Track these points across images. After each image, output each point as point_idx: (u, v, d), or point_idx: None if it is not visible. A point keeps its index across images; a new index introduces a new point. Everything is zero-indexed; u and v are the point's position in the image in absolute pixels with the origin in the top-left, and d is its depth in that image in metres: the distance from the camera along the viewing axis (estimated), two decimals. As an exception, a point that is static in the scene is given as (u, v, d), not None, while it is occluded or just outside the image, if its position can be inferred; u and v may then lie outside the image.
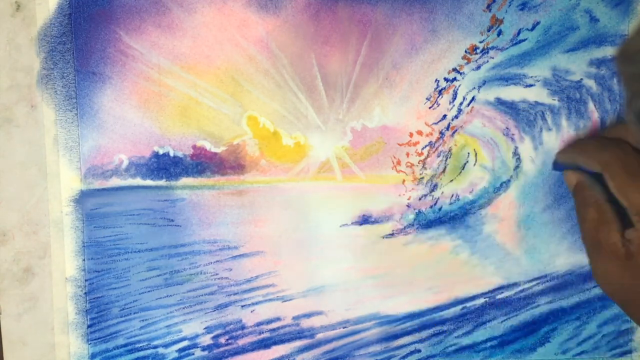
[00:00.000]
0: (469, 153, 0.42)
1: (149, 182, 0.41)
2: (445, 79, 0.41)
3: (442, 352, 0.43)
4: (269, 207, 0.42)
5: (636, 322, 0.35)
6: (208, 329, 0.42)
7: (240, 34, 0.41)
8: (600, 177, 0.36)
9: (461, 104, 0.42)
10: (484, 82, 0.41)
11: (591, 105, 0.42)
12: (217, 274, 0.42)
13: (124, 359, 0.42)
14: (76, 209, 0.41)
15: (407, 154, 0.42)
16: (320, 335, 0.42)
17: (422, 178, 0.42)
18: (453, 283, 0.42)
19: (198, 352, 0.42)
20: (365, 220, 0.42)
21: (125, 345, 0.42)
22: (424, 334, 0.42)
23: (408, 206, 0.42)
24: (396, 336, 0.42)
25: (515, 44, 0.41)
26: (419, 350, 0.42)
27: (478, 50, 0.41)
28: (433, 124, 0.42)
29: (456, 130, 0.42)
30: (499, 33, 0.41)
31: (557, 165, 0.39)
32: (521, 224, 0.42)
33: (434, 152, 0.42)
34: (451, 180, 0.42)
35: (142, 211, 0.41)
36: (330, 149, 0.42)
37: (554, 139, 0.41)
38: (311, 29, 0.41)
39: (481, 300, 0.42)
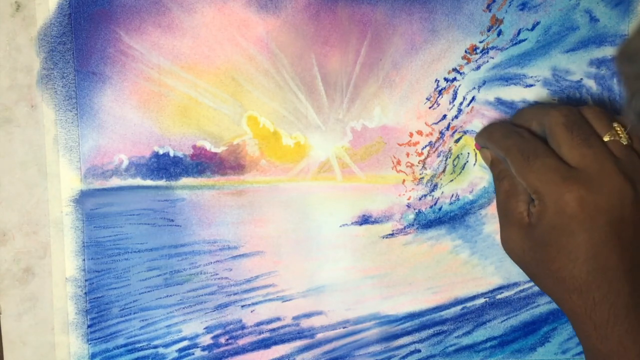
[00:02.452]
0: (469, 153, 0.42)
1: (149, 182, 0.41)
2: (445, 79, 0.41)
3: (442, 352, 0.43)
4: (269, 207, 0.42)
5: (538, 286, 0.38)
6: (208, 329, 0.42)
7: (240, 34, 0.41)
8: None
9: (461, 104, 0.42)
10: (484, 82, 0.41)
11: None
12: (217, 274, 0.42)
13: (124, 359, 0.42)
14: (76, 209, 0.41)
15: (407, 154, 0.42)
16: (320, 335, 0.42)
17: (422, 178, 0.42)
18: (453, 283, 0.42)
19: (198, 352, 0.42)
20: (365, 220, 0.42)
21: (125, 345, 0.42)
22: (424, 334, 0.42)
23: (408, 206, 0.42)
24: (396, 336, 0.42)
25: (515, 44, 0.41)
26: (419, 350, 0.42)
27: (478, 50, 0.41)
28: (433, 124, 0.42)
29: (456, 130, 0.42)
30: (499, 33, 0.41)
31: (478, 142, 0.42)
32: (521, 224, 0.42)
33: (434, 152, 0.42)
34: (451, 180, 0.42)
35: (142, 211, 0.42)
36: (330, 149, 0.42)
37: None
38: (311, 29, 0.41)
39: (481, 300, 0.42)
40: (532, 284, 0.42)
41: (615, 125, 0.37)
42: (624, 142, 0.37)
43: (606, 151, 0.36)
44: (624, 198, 0.35)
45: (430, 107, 0.42)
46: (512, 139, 0.38)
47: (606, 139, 0.37)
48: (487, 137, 0.40)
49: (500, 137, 0.39)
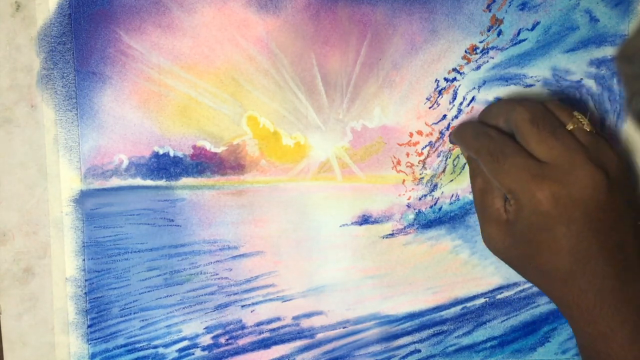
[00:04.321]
0: (469, 153, 0.42)
1: (149, 182, 0.41)
2: (445, 79, 0.41)
3: (442, 352, 0.43)
4: (269, 207, 0.42)
5: (524, 277, 0.38)
6: (208, 329, 0.42)
7: (240, 34, 0.41)
8: None
9: (461, 104, 0.42)
10: (484, 82, 0.41)
11: (591, 105, 0.42)
12: (217, 274, 0.42)
13: (124, 359, 0.42)
14: (76, 209, 0.41)
15: (407, 154, 0.42)
16: (320, 335, 0.42)
17: (422, 178, 0.42)
18: (453, 283, 0.42)
19: (198, 352, 0.42)
20: (365, 220, 0.42)
21: (125, 345, 0.42)
22: (424, 334, 0.42)
23: (408, 206, 0.42)
24: (396, 336, 0.42)
25: (515, 44, 0.41)
26: (419, 350, 0.42)
27: (478, 50, 0.41)
28: (433, 124, 0.42)
29: (494, 100, 0.42)
30: (499, 33, 0.41)
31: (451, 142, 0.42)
32: (521, 224, 0.42)
33: (434, 152, 0.42)
34: (451, 180, 0.42)
35: (142, 211, 0.42)
36: (330, 149, 0.42)
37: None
38: (311, 29, 0.41)
39: (481, 300, 0.42)
40: (532, 284, 0.42)
41: (575, 113, 0.37)
42: (587, 128, 0.37)
43: (573, 141, 0.36)
44: (597, 186, 0.35)
45: (430, 107, 0.42)
46: (480, 140, 0.38)
47: (570, 127, 0.37)
48: (458, 138, 0.40)
49: (469, 138, 0.39)
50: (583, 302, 0.35)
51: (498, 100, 0.41)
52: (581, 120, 0.37)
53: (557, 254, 0.35)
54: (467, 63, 0.41)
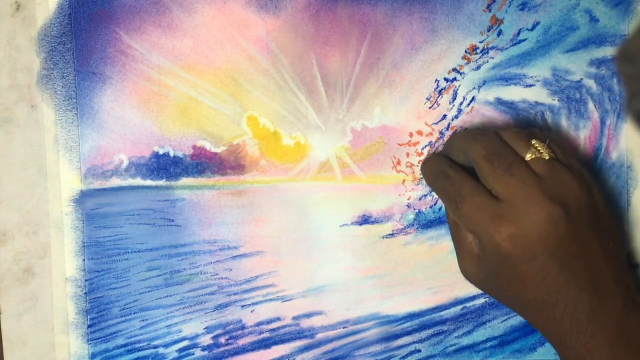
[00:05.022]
0: (469, 153, 0.42)
1: (149, 182, 0.41)
2: (445, 79, 0.41)
3: (442, 352, 0.43)
4: (269, 207, 0.42)
5: (507, 306, 0.39)
6: (208, 329, 0.42)
7: (240, 34, 0.41)
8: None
9: (461, 104, 0.42)
10: (484, 82, 0.41)
11: (591, 105, 0.42)
12: (217, 274, 0.42)
13: (124, 359, 0.42)
14: (76, 209, 0.41)
15: (407, 154, 0.42)
16: (320, 335, 0.42)
17: (422, 178, 0.42)
18: (453, 283, 0.42)
19: (198, 352, 0.42)
20: (365, 220, 0.42)
21: (125, 345, 0.42)
22: (424, 334, 0.42)
23: (408, 206, 0.42)
24: (396, 336, 0.42)
25: (515, 44, 0.41)
26: (419, 350, 0.42)
27: (478, 50, 0.41)
28: (433, 124, 0.42)
29: (456, 130, 0.42)
30: (499, 33, 0.41)
31: None
32: (521, 224, 0.42)
33: (434, 152, 0.42)
34: (451, 180, 0.42)
35: (142, 211, 0.41)
36: (330, 149, 0.42)
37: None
38: (311, 29, 0.41)
39: (481, 300, 0.42)
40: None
41: (533, 142, 0.37)
42: (546, 156, 0.36)
43: (529, 175, 0.35)
44: (555, 221, 0.34)
45: (430, 107, 0.42)
46: (438, 181, 0.38)
47: (528, 157, 0.36)
48: (423, 176, 0.41)
49: (430, 179, 0.39)
50: (559, 330, 0.35)
51: (459, 132, 0.41)
52: (539, 149, 0.36)
53: (525, 289, 0.35)
54: (467, 63, 0.41)
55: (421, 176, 0.42)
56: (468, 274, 0.38)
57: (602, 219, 0.37)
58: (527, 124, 0.41)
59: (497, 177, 0.36)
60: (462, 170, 0.38)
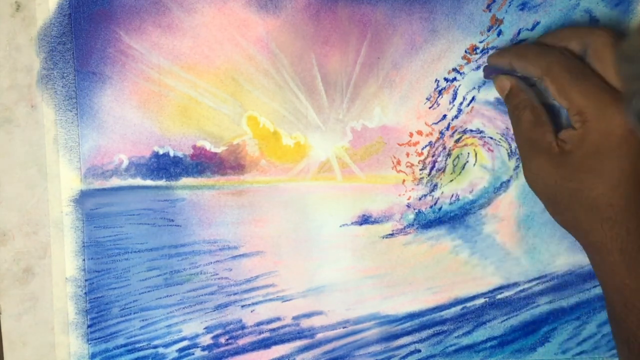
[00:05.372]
0: (469, 153, 0.42)
1: (149, 182, 0.41)
2: (445, 79, 0.41)
3: (442, 352, 0.43)
4: (269, 207, 0.42)
5: (556, 221, 0.37)
6: (208, 329, 0.42)
7: (240, 34, 0.41)
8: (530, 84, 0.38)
9: (461, 104, 0.42)
10: (484, 82, 0.41)
11: None
12: (217, 274, 0.42)
13: (124, 359, 0.42)
14: (76, 209, 0.41)
15: (407, 154, 0.42)
16: (320, 335, 0.42)
17: (422, 178, 0.42)
18: (453, 283, 0.42)
19: (198, 352, 0.42)
20: (365, 220, 0.42)
21: (125, 345, 0.42)
22: (424, 334, 0.42)
23: (408, 206, 0.42)
24: (396, 336, 0.42)
25: (516, 44, 0.41)
26: (419, 350, 0.42)
27: (478, 50, 0.41)
28: (433, 124, 0.42)
29: (456, 130, 0.42)
30: (499, 33, 0.41)
31: (489, 70, 0.40)
32: (521, 224, 0.42)
33: (433, 152, 0.42)
34: (451, 180, 0.42)
35: (142, 211, 0.42)
36: (330, 149, 0.42)
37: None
38: (311, 29, 0.41)
39: (481, 300, 0.42)
40: (532, 283, 0.42)
41: None
42: None
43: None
44: None
45: (430, 107, 0.42)
46: (553, 55, 0.36)
47: None
48: (517, 55, 0.38)
49: (537, 54, 0.37)
50: (627, 247, 0.34)
51: (564, 27, 0.40)
52: None
53: (615, 188, 0.34)
54: (467, 63, 0.41)
55: (421, 176, 0.42)
56: (540, 173, 0.36)
57: None
58: None
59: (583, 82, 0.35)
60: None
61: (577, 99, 0.35)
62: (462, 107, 0.42)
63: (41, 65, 0.41)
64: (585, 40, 0.36)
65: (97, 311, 0.42)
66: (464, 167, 0.42)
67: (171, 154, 0.41)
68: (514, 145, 0.42)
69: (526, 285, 0.42)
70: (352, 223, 0.42)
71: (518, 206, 0.42)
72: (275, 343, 0.42)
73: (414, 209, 0.42)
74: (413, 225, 0.42)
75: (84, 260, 0.41)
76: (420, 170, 0.42)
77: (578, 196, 0.35)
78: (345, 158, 0.42)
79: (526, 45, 0.39)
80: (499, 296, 0.42)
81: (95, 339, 0.42)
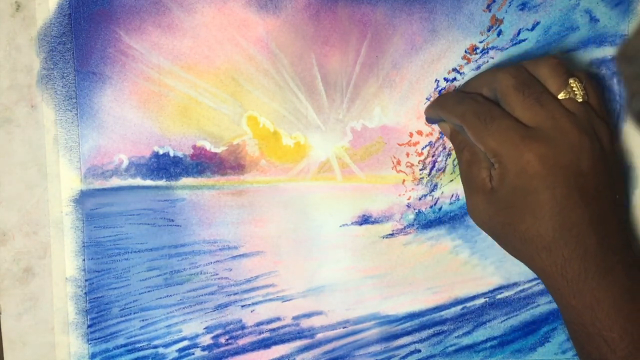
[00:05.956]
0: (469, 153, 0.42)
1: (149, 182, 0.41)
2: (445, 79, 0.41)
3: (442, 352, 0.43)
4: (269, 207, 0.42)
5: (506, 250, 0.38)
6: (208, 329, 0.42)
7: (240, 34, 0.41)
8: None
9: (461, 104, 0.42)
10: (484, 82, 0.41)
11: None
12: (217, 274, 0.42)
13: (124, 359, 0.42)
14: (76, 209, 0.41)
15: (407, 154, 0.42)
16: (320, 335, 0.42)
17: (422, 178, 0.42)
18: (453, 283, 0.42)
19: (198, 352, 0.42)
20: (365, 220, 0.42)
21: (125, 345, 0.42)
22: (424, 334, 0.42)
23: (408, 206, 0.42)
24: (396, 336, 0.42)
25: (515, 44, 0.41)
26: (419, 350, 0.42)
27: (478, 50, 0.41)
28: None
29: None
30: (499, 33, 0.41)
31: (428, 120, 0.41)
32: (521, 224, 0.42)
33: (433, 152, 0.42)
34: (451, 181, 0.42)
35: (142, 211, 0.42)
36: (330, 149, 0.42)
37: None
38: (311, 29, 0.41)
39: (481, 300, 0.42)
40: (532, 283, 0.42)
41: (571, 81, 0.37)
42: (579, 99, 0.36)
43: (559, 107, 0.36)
44: (581, 151, 0.35)
45: (430, 107, 0.42)
46: (465, 103, 0.37)
47: (561, 97, 0.36)
48: (440, 106, 0.40)
49: (453, 104, 0.38)
50: (568, 272, 0.35)
51: (477, 75, 0.41)
52: (575, 90, 0.36)
53: (540, 220, 0.35)
54: (467, 63, 0.41)
55: (421, 176, 0.42)
56: (476, 210, 0.38)
57: (617, 169, 0.37)
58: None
59: (526, 105, 0.36)
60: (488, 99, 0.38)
61: (489, 142, 0.36)
62: (462, 107, 0.42)
63: (41, 65, 0.41)
64: (491, 85, 0.37)
65: (97, 311, 0.42)
66: (464, 167, 0.42)
67: (171, 154, 0.41)
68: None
69: (526, 285, 0.42)
70: (352, 223, 0.42)
71: (518, 206, 0.42)
72: (275, 343, 0.42)
73: (414, 209, 0.42)
74: (413, 225, 0.42)
75: (84, 260, 0.41)
76: (420, 170, 0.42)
77: (510, 230, 0.36)
78: (345, 158, 0.42)
79: (445, 96, 0.40)
80: (499, 296, 0.42)
81: (95, 339, 0.42)
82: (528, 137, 0.35)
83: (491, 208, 0.37)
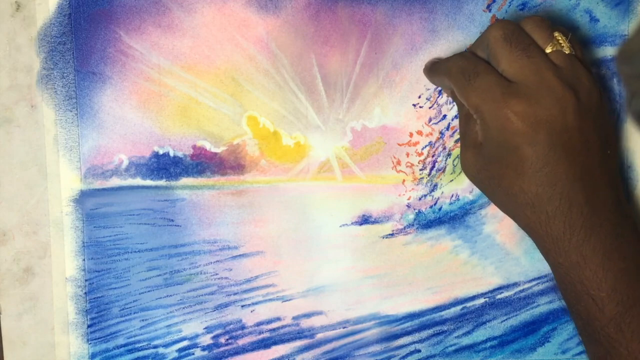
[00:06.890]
0: (469, 153, 0.42)
1: (149, 182, 0.41)
2: (445, 79, 0.41)
3: (442, 352, 0.43)
4: (269, 207, 0.42)
5: (495, 205, 0.38)
6: (208, 329, 0.42)
7: (240, 34, 0.41)
8: None
9: (461, 104, 0.42)
10: (484, 82, 0.41)
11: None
12: (217, 274, 0.42)
13: (124, 359, 0.42)
14: (76, 209, 0.41)
15: (407, 154, 0.42)
16: (320, 335, 0.42)
17: (422, 178, 0.42)
18: (453, 283, 0.42)
19: (198, 352, 0.42)
20: (365, 220, 0.42)
21: (125, 345, 0.42)
22: (424, 334, 0.42)
23: (408, 206, 0.42)
24: (396, 336, 0.42)
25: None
26: (419, 350, 0.42)
27: (478, 50, 0.41)
28: (433, 124, 0.42)
29: (456, 130, 0.42)
30: (499, 33, 0.41)
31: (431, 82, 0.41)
32: (521, 224, 0.42)
33: (434, 152, 0.42)
34: (451, 180, 0.42)
35: (142, 211, 0.42)
36: (330, 149, 0.42)
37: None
38: (311, 29, 0.41)
39: (481, 300, 0.42)
40: (532, 283, 0.42)
41: (556, 34, 0.36)
42: (566, 51, 0.36)
43: (546, 60, 0.35)
44: (565, 107, 0.34)
45: (430, 107, 0.42)
46: (452, 60, 0.37)
47: (548, 50, 0.36)
48: (433, 66, 0.40)
49: (442, 62, 0.39)
50: (552, 230, 0.34)
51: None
52: (561, 42, 0.36)
53: (522, 176, 0.35)
54: (467, 63, 0.41)
55: (421, 176, 0.42)
56: (465, 164, 0.38)
57: (606, 125, 0.36)
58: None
59: (513, 57, 0.35)
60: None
61: (471, 98, 0.35)
62: (462, 107, 0.42)
63: (41, 65, 0.41)
64: (484, 42, 0.37)
65: (97, 311, 0.42)
66: (464, 167, 0.42)
67: (171, 154, 0.41)
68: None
69: (526, 285, 0.42)
70: (352, 223, 0.42)
71: (518, 206, 0.42)
72: (275, 343, 0.42)
73: (414, 209, 0.42)
74: (413, 225, 0.42)
75: (84, 260, 0.41)
76: (420, 170, 0.42)
77: (496, 184, 0.36)
78: (345, 158, 0.42)
79: (439, 58, 0.40)
80: (499, 296, 0.42)
81: (95, 339, 0.42)
82: (508, 93, 0.34)
83: (479, 162, 0.37)
